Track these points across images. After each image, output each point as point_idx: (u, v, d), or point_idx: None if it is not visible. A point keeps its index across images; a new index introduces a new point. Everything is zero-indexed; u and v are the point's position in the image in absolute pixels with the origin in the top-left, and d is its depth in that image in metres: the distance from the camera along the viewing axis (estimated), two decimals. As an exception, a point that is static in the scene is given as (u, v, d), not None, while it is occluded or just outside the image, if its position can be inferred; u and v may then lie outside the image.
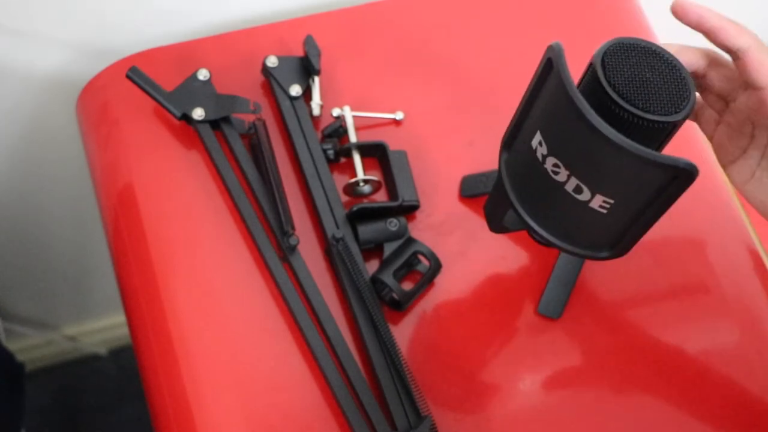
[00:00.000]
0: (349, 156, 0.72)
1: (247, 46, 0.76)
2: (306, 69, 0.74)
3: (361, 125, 0.74)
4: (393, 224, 0.68)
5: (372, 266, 0.68)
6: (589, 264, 0.70)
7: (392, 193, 0.71)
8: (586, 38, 0.61)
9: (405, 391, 0.64)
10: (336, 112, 0.73)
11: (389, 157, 0.71)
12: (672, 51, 0.52)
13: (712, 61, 0.57)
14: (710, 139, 0.59)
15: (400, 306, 0.67)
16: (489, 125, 0.72)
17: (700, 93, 0.59)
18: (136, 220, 0.69)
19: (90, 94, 0.75)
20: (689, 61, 0.56)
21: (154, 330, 0.67)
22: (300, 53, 0.75)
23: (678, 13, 0.55)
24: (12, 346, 1.17)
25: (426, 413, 0.63)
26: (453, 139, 0.75)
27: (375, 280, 0.66)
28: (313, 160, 0.71)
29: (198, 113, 0.70)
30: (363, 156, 0.72)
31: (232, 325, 0.66)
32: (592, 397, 0.67)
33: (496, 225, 0.64)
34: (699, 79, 0.57)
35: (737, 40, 0.54)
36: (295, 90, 0.73)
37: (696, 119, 0.60)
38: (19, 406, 1.03)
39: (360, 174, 0.71)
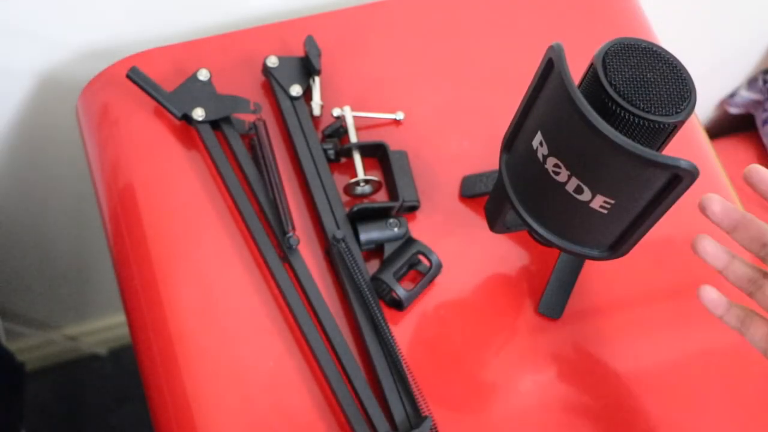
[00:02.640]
0: (350, 156, 0.72)
1: (247, 46, 0.76)
2: (306, 69, 0.74)
3: (361, 125, 0.74)
4: (393, 224, 0.68)
5: (372, 266, 0.68)
6: (589, 264, 0.70)
7: (392, 193, 0.71)
8: (587, 38, 0.61)
9: (405, 391, 0.64)
10: (336, 112, 0.73)
11: (389, 157, 0.71)
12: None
13: None
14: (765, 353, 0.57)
15: (400, 306, 0.67)
16: (489, 125, 0.72)
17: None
18: (136, 220, 0.69)
19: (90, 94, 0.75)
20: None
21: (154, 330, 0.67)
22: (300, 53, 0.75)
23: (751, 179, 0.57)
24: (12, 346, 1.18)
25: (426, 413, 0.63)
26: (453, 139, 0.75)
27: (375, 279, 0.66)
28: (314, 160, 0.71)
29: (198, 113, 0.70)
30: (363, 156, 0.72)
31: (232, 324, 0.66)
32: (592, 397, 0.67)
33: (496, 225, 0.64)
34: None
35: None
36: (296, 90, 0.73)
37: (745, 333, 0.58)
38: (19, 406, 1.03)
39: (360, 174, 0.71)
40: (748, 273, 0.58)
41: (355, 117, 0.73)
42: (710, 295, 0.58)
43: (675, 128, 0.50)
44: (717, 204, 0.56)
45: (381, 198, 0.72)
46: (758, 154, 1.29)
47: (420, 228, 0.71)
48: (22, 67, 0.80)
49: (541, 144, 0.52)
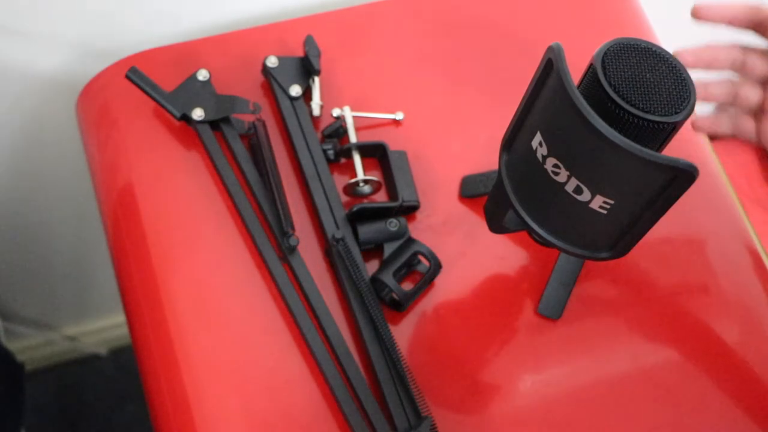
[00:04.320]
0: (349, 156, 0.72)
1: (247, 46, 0.76)
2: (306, 69, 0.74)
3: (361, 125, 0.74)
4: (393, 224, 0.68)
5: (372, 266, 0.68)
6: (589, 264, 0.70)
7: (392, 194, 0.71)
8: (586, 38, 0.61)
9: (405, 391, 0.64)
10: (336, 112, 0.73)
11: (389, 158, 0.71)
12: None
13: (748, 50, 0.61)
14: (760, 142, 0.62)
15: (400, 306, 0.67)
16: (489, 125, 0.72)
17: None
18: (136, 220, 0.69)
19: (90, 94, 0.75)
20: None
21: (154, 330, 0.67)
22: (300, 53, 0.75)
23: (701, 14, 0.60)
24: (12, 346, 1.18)
25: (426, 413, 0.63)
26: (453, 139, 0.75)
27: (375, 280, 0.66)
28: (313, 161, 0.71)
29: (198, 114, 0.70)
30: (363, 156, 0.72)
31: (232, 325, 0.66)
32: (591, 398, 0.67)
33: (496, 225, 0.64)
34: (739, 70, 0.61)
35: None
36: (295, 90, 0.73)
37: (737, 134, 0.64)
38: (19, 406, 1.03)
39: (360, 174, 0.71)
40: (732, 53, 0.62)
41: (354, 117, 0.73)
42: (700, 120, 0.62)
43: (674, 128, 0.50)
44: (688, 55, 0.60)
45: (381, 198, 0.72)
46: (758, 154, 1.29)
47: (420, 228, 0.71)
48: (22, 67, 0.80)
49: (540, 144, 0.52)
